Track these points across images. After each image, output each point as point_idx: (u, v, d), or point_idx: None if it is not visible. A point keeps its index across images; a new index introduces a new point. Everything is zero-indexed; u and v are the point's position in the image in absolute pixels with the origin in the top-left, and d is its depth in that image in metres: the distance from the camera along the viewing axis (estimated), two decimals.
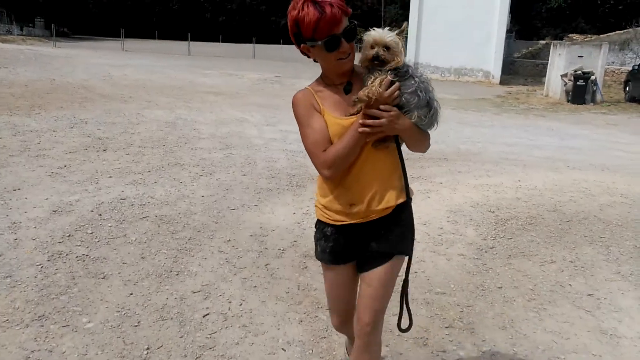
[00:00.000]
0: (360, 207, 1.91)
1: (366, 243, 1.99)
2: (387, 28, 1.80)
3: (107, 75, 17.85)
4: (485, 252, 4.32)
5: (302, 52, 1.84)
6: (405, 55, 1.80)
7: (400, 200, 1.95)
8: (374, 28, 1.79)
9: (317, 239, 2.09)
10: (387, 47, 1.74)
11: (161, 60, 27.77)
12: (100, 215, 4.62)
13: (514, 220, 5.17)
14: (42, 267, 3.55)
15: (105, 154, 6.96)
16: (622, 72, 22.52)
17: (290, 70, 24.74)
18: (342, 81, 1.88)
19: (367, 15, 58.31)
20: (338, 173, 1.84)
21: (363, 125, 1.75)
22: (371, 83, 1.75)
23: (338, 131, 1.81)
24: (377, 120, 1.75)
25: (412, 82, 1.78)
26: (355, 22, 1.78)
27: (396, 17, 50.87)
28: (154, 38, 54.22)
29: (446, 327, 3.09)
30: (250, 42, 38.25)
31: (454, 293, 3.53)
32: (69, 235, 4.12)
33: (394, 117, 1.76)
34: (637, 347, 2.94)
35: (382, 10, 52.55)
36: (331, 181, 1.91)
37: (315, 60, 1.86)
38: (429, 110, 1.81)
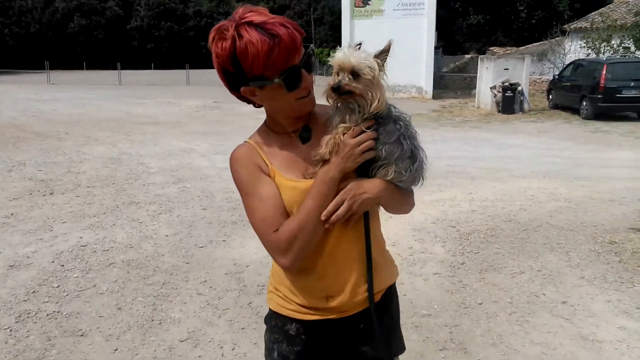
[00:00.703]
0: (342, 299, 1.39)
1: (351, 345, 1.45)
2: (357, 45, 1.31)
3: (37, 111, 17.01)
4: (458, 268, 4.45)
5: (241, 98, 1.37)
6: (385, 88, 1.31)
7: (396, 277, 1.56)
8: (341, 47, 1.32)
9: (274, 341, 1.47)
10: (354, 74, 1.26)
11: (91, 91, 26.80)
12: (63, 266, 4.37)
13: (475, 234, 5.37)
14: (11, 330, 3.31)
15: (53, 197, 6.61)
16: (542, 82, 24.06)
17: (228, 95, 24.44)
18: (296, 127, 1.40)
19: None
20: (299, 261, 1.33)
21: (323, 219, 1.30)
22: (333, 131, 1.31)
23: (295, 198, 1.33)
24: (338, 209, 1.30)
25: (394, 126, 1.33)
26: (311, 45, 1.32)
27: (326, 37, 51.96)
28: (80, 69, 52.33)
29: (440, 350, 3.15)
30: (182, 67, 37.72)
31: (439, 314, 3.61)
32: (34, 292, 3.87)
33: (356, 194, 1.31)
34: (618, 350, 3.13)
35: (313, 32, 53.53)
36: (293, 270, 1.38)
37: (256, 106, 1.41)
38: (413, 162, 1.34)
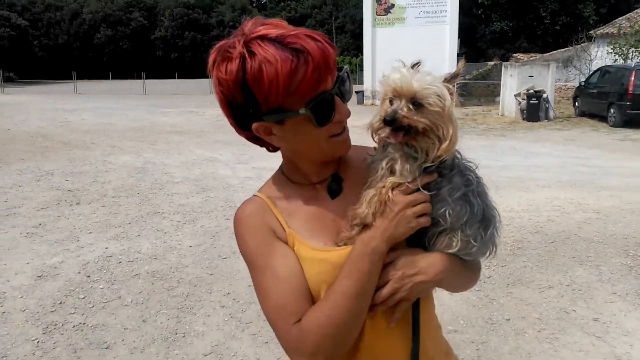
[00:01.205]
0: None
1: None
2: (416, 64, 0.98)
3: (65, 121, 17.39)
4: (484, 282, 4.37)
5: (252, 139, 1.06)
6: (455, 126, 0.97)
7: None
8: (399, 65, 0.98)
9: None
10: (416, 104, 0.94)
11: (117, 101, 27.32)
12: (89, 277, 4.43)
13: (501, 246, 5.24)
14: (38, 341, 3.35)
15: (80, 207, 6.72)
16: (568, 88, 23.67)
17: None
18: (323, 177, 1.10)
19: None
20: None
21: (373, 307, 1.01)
22: (378, 185, 0.99)
23: (324, 275, 1.00)
24: (386, 293, 0.99)
25: (461, 180, 1.00)
26: (345, 67, 1.02)
27: (347, 46, 52.10)
28: (106, 78, 53.46)
29: None
30: (205, 77, 38.19)
31: (465, 330, 3.54)
32: (60, 303, 3.92)
33: (406, 275, 0.99)
34: None
35: (334, 40, 53.74)
36: None
37: (272, 149, 1.10)
38: (485, 227, 1.03)
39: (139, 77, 36.84)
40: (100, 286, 4.24)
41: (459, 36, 25.80)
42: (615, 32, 24.61)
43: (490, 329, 3.55)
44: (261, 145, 1.09)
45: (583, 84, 18.69)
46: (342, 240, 1.02)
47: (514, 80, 18.34)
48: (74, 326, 3.56)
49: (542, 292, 4.15)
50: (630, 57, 21.48)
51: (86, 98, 29.89)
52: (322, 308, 0.97)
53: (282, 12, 63.13)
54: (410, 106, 0.94)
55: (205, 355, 3.22)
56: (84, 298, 4.02)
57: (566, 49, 28.63)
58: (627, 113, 15.06)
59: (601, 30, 27.20)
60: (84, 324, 3.60)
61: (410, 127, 0.95)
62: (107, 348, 3.29)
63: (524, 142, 13.50)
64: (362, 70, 27.68)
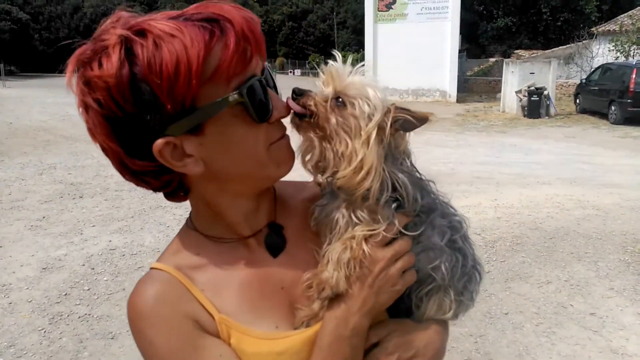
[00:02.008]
0: None
1: None
2: (349, 62, 0.81)
3: (66, 114, 17.38)
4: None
5: (146, 174, 0.72)
6: (368, 157, 0.72)
7: None
8: (338, 54, 0.80)
9: None
10: (341, 101, 0.75)
11: None
12: (93, 269, 4.49)
13: (501, 242, 5.32)
14: (45, 331, 3.42)
15: (83, 200, 6.78)
16: (569, 85, 23.70)
17: None
18: (256, 228, 0.81)
19: (320, 41, 59.43)
20: None
21: None
22: (344, 238, 0.74)
23: None
24: None
25: (442, 221, 0.81)
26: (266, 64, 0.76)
27: (349, 41, 52.03)
28: None
29: None
30: None
31: (464, 323, 3.60)
32: (66, 294, 3.98)
33: (402, 357, 0.78)
34: None
35: (335, 36, 53.66)
36: None
37: (177, 197, 0.79)
38: (476, 281, 0.86)
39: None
40: (105, 278, 4.30)
41: (461, 32, 25.79)
42: (617, 29, 24.59)
43: (488, 322, 3.61)
44: (163, 187, 0.74)
45: (584, 81, 18.71)
46: (302, 320, 0.75)
47: (515, 77, 18.36)
48: (79, 317, 3.63)
49: (540, 287, 4.20)
50: (632, 54, 21.49)
51: None
52: None
53: (283, 7, 63.01)
54: (334, 100, 0.74)
55: None
56: (88, 290, 4.08)
57: (568, 45, 28.64)
58: (628, 110, 15.08)
59: (603, 27, 27.16)
60: (89, 314, 3.66)
61: (316, 119, 0.73)
62: (112, 338, 3.35)
63: (525, 139, 13.53)
64: (363, 66, 27.65)
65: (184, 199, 0.78)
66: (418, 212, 0.77)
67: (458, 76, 25.70)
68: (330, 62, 0.78)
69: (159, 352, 0.70)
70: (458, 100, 24.60)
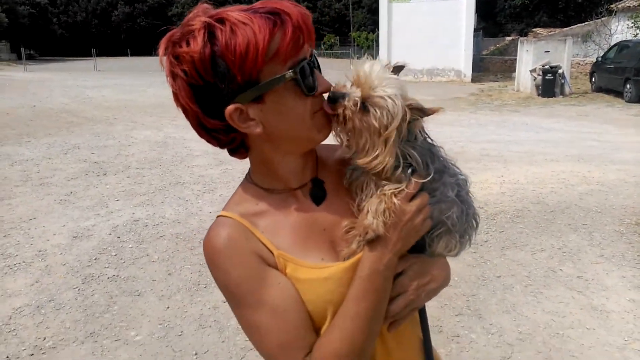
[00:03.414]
0: None
1: None
2: (397, 66, 0.96)
3: (87, 97, 17.90)
4: (481, 245, 4.70)
5: (218, 132, 0.90)
6: (385, 151, 0.89)
7: None
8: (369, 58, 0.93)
9: None
10: (365, 106, 0.89)
11: (136, 78, 27.76)
12: (119, 237, 4.87)
13: (502, 214, 5.57)
14: (79, 289, 3.81)
15: (106, 177, 7.18)
16: (586, 64, 23.42)
17: None
18: (302, 181, 0.99)
19: (335, 21, 59.07)
20: None
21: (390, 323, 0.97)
22: (378, 193, 0.92)
23: (330, 295, 0.92)
24: (401, 306, 0.96)
25: (450, 179, 0.98)
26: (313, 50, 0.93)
27: (364, 21, 51.67)
28: (124, 55, 53.96)
29: (456, 315, 3.45)
30: None
31: (458, 285, 3.90)
32: (95, 259, 4.38)
33: (421, 285, 0.97)
34: (624, 319, 3.35)
35: (351, 15, 53.29)
36: None
37: (240, 154, 0.97)
38: (476, 227, 1.05)
39: (157, 54, 37.01)
40: (130, 245, 4.69)
41: (477, 11, 25.58)
42: (636, 5, 24.15)
43: (481, 284, 3.91)
44: (222, 145, 0.93)
45: (600, 59, 18.56)
46: (344, 256, 0.93)
47: (530, 55, 18.29)
48: (108, 278, 4.01)
49: (534, 254, 4.47)
50: None
51: (106, 75, 30.42)
52: (337, 335, 0.88)
53: None
54: (361, 104, 0.88)
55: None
56: (115, 255, 4.46)
57: (586, 23, 28.17)
58: None
59: (622, 4, 26.64)
60: (117, 276, 4.05)
61: (344, 119, 0.90)
62: (138, 295, 3.73)
63: (537, 118, 13.60)
64: (378, 45, 27.65)
65: (245, 156, 0.97)
66: (435, 171, 0.93)
67: (473, 55, 25.56)
68: (361, 62, 0.91)
69: (234, 280, 0.89)
70: (473, 80, 24.52)
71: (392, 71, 0.93)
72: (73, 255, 4.46)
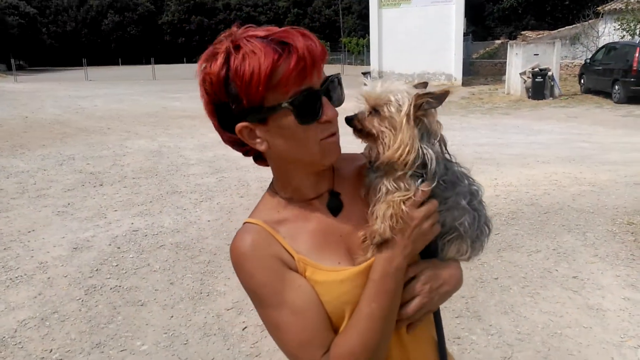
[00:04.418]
0: None
1: None
2: (421, 84, 1.03)
3: (79, 107, 17.88)
4: None
5: (235, 144, 1.01)
6: (406, 136, 0.95)
7: None
8: (369, 76, 0.95)
9: None
10: (376, 110, 0.98)
11: (128, 87, 27.75)
12: (119, 248, 4.90)
13: (497, 217, 5.65)
14: (82, 300, 3.84)
15: (103, 188, 7.20)
16: (575, 66, 23.69)
17: None
18: (319, 192, 1.06)
19: (325, 27, 59.33)
20: None
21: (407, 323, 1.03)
22: (386, 199, 0.97)
23: (347, 296, 0.98)
24: (414, 308, 1.01)
25: (462, 187, 1.04)
26: (339, 74, 1.01)
27: (354, 26, 51.94)
28: (115, 64, 53.84)
29: (456, 317, 3.52)
30: None
31: None
32: (97, 270, 4.40)
33: (434, 288, 1.03)
34: (619, 317, 3.43)
35: (341, 21, 53.56)
36: None
37: (259, 161, 1.07)
38: (488, 232, 1.11)
39: (148, 63, 37.24)
40: (131, 256, 4.72)
41: (466, 15, 25.77)
42: (623, 7, 24.48)
43: (479, 286, 3.97)
44: (246, 154, 1.04)
45: (588, 61, 18.80)
46: (359, 262, 1.00)
47: (519, 58, 18.50)
48: (111, 288, 4.04)
49: (530, 255, 4.55)
50: (638, 33, 21.42)
51: (97, 84, 30.36)
52: (352, 334, 0.95)
53: None
54: (372, 111, 0.97)
55: (228, 310, 3.69)
56: (116, 266, 4.49)
57: (574, 25, 28.52)
58: (631, 89, 15.21)
59: (609, 6, 26.99)
60: (120, 286, 4.08)
61: (366, 131, 0.98)
62: (142, 305, 3.77)
63: (528, 120, 13.75)
64: (369, 51, 27.83)
65: (266, 165, 1.05)
66: (446, 181, 0.99)
67: (464, 59, 25.75)
68: (365, 83, 1.00)
69: (258, 282, 0.96)
70: (464, 84, 24.71)
71: (414, 86, 1.00)
72: (74, 266, 4.48)
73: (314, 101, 0.92)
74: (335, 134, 0.98)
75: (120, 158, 9.28)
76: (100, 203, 6.45)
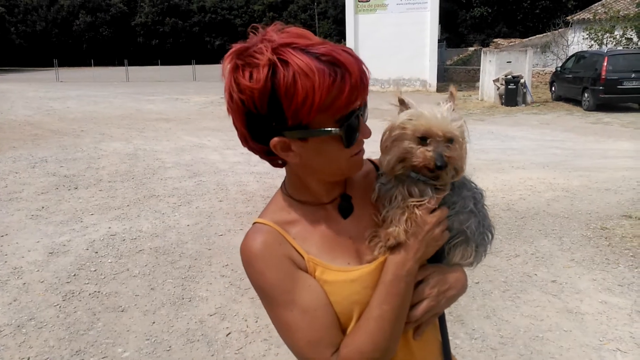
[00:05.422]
0: None
1: None
2: (448, 103, 1.04)
3: (50, 109, 17.47)
4: None
5: (263, 153, 0.99)
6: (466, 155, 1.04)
7: None
8: (403, 96, 1.06)
9: None
10: (451, 141, 0.99)
11: (101, 89, 27.27)
12: (97, 252, 4.80)
13: None
14: (60, 307, 3.74)
15: (78, 191, 7.04)
16: (546, 73, 24.28)
17: None
18: (333, 196, 1.08)
19: None
20: None
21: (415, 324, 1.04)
22: (401, 205, 1.00)
23: (355, 295, 0.99)
24: (422, 311, 1.03)
25: (467, 193, 1.08)
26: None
27: (330, 31, 52.17)
28: (86, 66, 52.80)
29: None
30: (188, 63, 38.19)
31: None
32: (74, 275, 4.30)
33: (441, 292, 1.05)
34: (597, 320, 3.51)
35: (317, 26, 53.73)
36: None
37: (278, 164, 1.03)
38: (491, 236, 1.12)
39: (120, 64, 36.77)
40: (109, 260, 4.62)
41: (440, 22, 26.17)
42: (591, 17, 25.20)
43: None
44: (267, 159, 1.01)
45: (559, 69, 19.27)
46: (367, 261, 1.02)
47: (493, 65, 18.85)
48: (89, 294, 3.95)
49: (509, 260, 4.63)
50: (605, 42, 22.07)
51: (69, 86, 29.73)
52: (362, 335, 0.96)
53: None
54: (448, 145, 0.98)
55: (211, 316, 3.64)
56: (95, 271, 4.39)
57: (544, 34, 29.23)
58: (600, 97, 15.65)
59: (578, 16, 27.78)
60: (99, 292, 3.99)
61: (449, 165, 0.98)
62: (122, 311, 3.69)
63: (502, 126, 14.01)
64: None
65: (281, 167, 1.04)
66: (454, 186, 1.04)
67: (438, 65, 26.14)
68: (409, 115, 1.01)
69: (268, 282, 0.97)
70: (438, 90, 25.05)
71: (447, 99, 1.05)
72: (50, 271, 4.37)
73: (357, 123, 0.94)
74: (362, 148, 1.00)
75: (95, 161, 9.10)
76: (75, 207, 6.31)
